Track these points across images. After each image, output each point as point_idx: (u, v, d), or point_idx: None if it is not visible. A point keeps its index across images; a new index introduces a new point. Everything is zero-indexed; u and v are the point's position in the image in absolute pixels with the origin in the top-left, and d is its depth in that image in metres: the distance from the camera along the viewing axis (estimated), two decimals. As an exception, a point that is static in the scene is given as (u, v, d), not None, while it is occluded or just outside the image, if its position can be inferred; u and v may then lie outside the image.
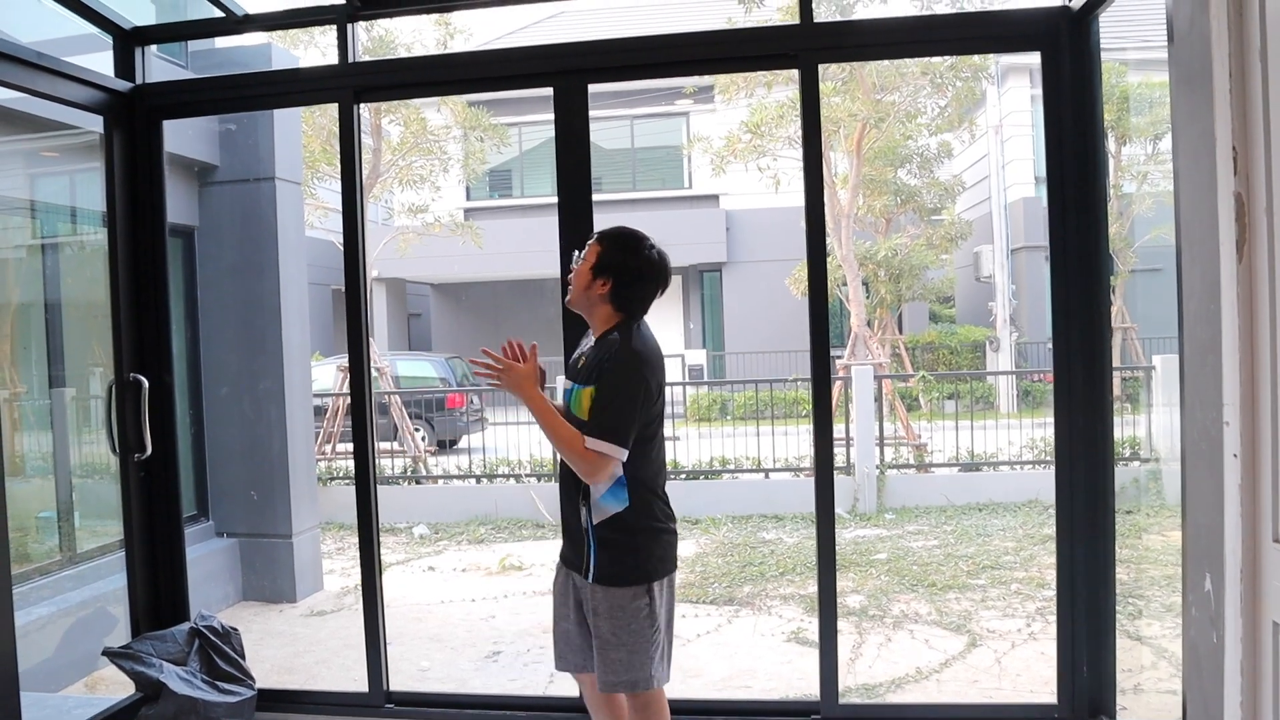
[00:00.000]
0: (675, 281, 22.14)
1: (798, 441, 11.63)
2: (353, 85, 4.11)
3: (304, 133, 11.13)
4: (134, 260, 4.34)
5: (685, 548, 9.22)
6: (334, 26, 4.20)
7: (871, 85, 12.07)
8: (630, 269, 3.03)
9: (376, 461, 4.38)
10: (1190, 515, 2.61)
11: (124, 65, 4.40)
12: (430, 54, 4.00)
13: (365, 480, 4.25)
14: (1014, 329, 18.51)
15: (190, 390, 7.61)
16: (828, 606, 3.90)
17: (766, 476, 11.06)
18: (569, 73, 3.91)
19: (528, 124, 20.35)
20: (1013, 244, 19.19)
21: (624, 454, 2.93)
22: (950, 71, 12.06)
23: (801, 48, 3.79)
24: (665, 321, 21.84)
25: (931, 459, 11.48)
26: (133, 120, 4.33)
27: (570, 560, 3.16)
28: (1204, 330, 2.57)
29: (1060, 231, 3.71)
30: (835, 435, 11.54)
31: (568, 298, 3.18)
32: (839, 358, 12.40)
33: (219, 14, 4.32)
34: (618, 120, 20.77)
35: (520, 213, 21.12)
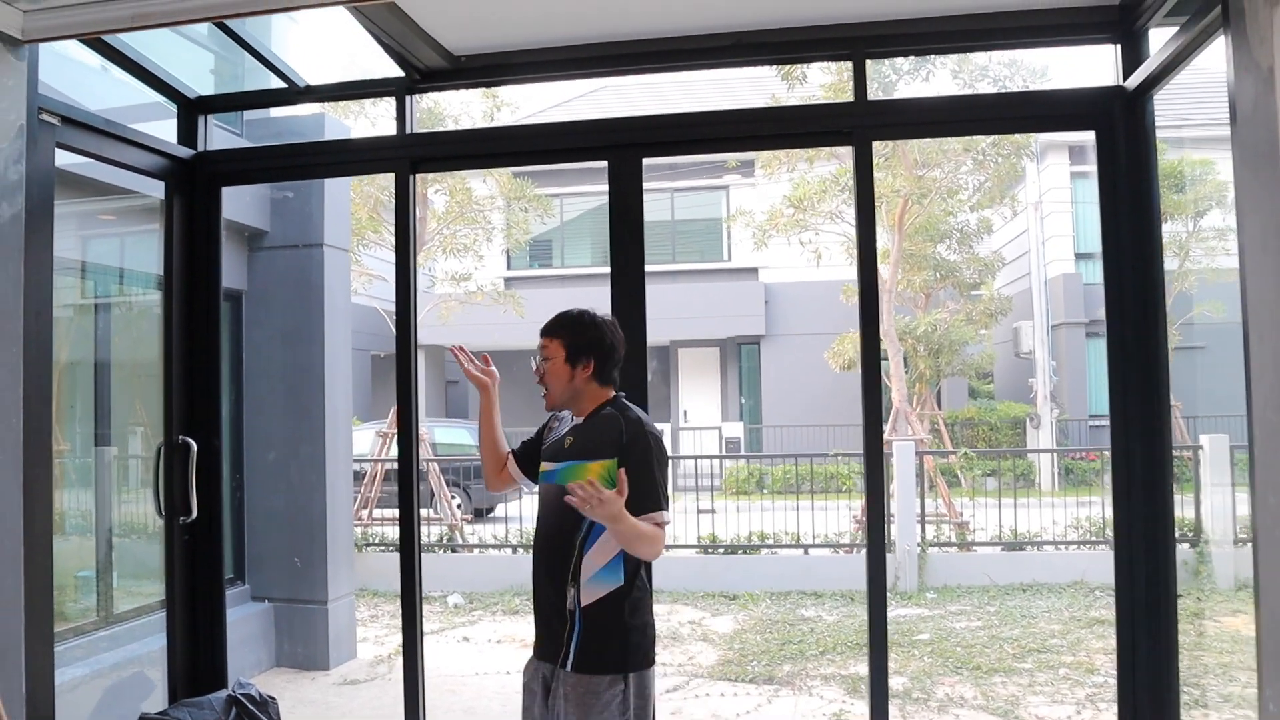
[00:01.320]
0: (713, 354, 22.22)
1: (837, 517, 11.48)
2: (410, 156, 4.17)
3: (351, 200, 11.32)
4: (188, 323, 4.39)
5: (723, 624, 9.08)
6: (385, 99, 4.29)
7: (913, 161, 12.13)
8: (604, 344, 3.11)
9: (420, 531, 4.35)
10: (1266, 606, 2.53)
11: (187, 133, 4.50)
12: (488, 126, 4.07)
13: (410, 550, 4.22)
14: (1055, 406, 18.29)
15: (232, 453, 7.62)
16: (879, 689, 3.81)
17: (806, 552, 10.91)
18: (624, 146, 3.95)
19: (570, 195, 20.59)
20: (1053, 320, 19.07)
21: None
22: (992, 148, 12.10)
23: (855, 125, 3.82)
24: (702, 393, 21.80)
25: (974, 537, 11.28)
26: (193, 186, 4.41)
27: (545, 651, 3.07)
28: (1275, 415, 2.51)
29: (1117, 309, 3.67)
30: (876, 511, 11.39)
31: (548, 402, 3.15)
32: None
33: (281, 85, 4.42)
34: (658, 193, 20.95)
35: (560, 282, 21.28)
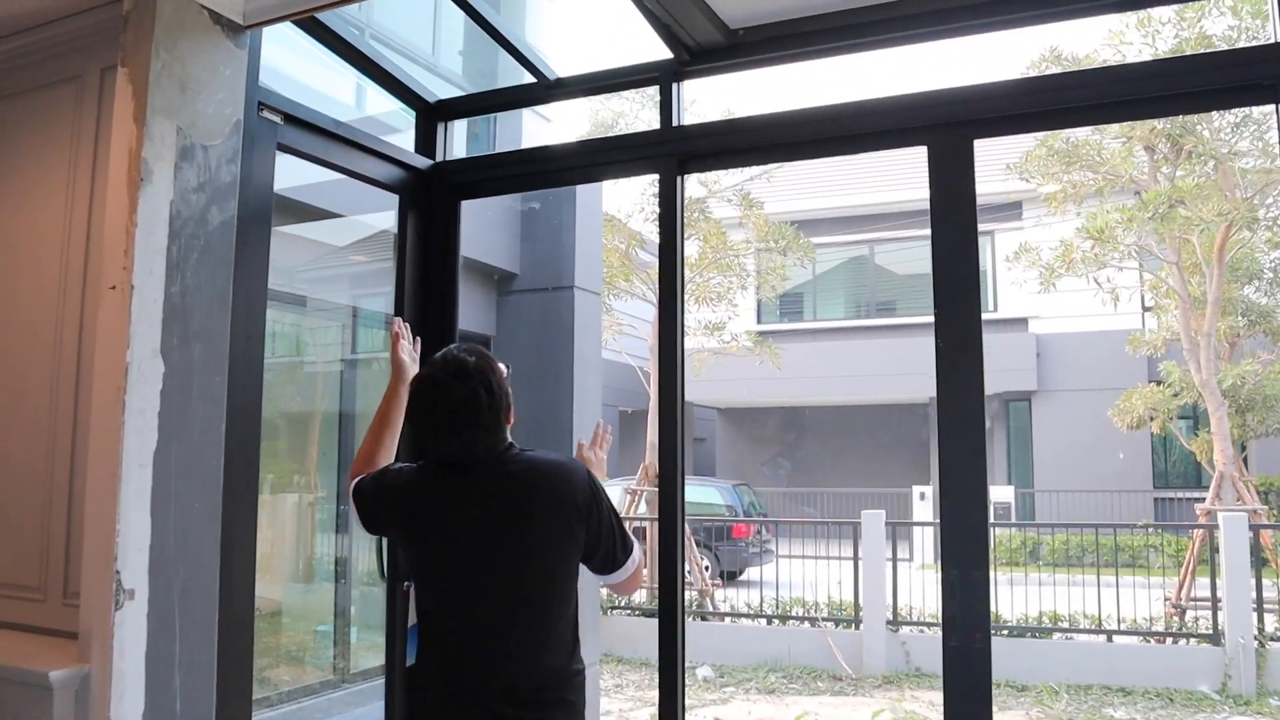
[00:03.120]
0: (977, 411, 20.53)
1: (1149, 598, 9.89)
2: (676, 152, 3.44)
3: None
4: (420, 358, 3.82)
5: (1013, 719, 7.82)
6: (648, 87, 3.61)
7: (1235, 183, 10.42)
8: None
9: (685, 596, 3.55)
10: None
11: (425, 141, 3.97)
12: (771, 112, 3.26)
13: (672, 617, 3.42)
14: (1400, 479, 15.63)
15: None
16: None
17: (1109, 639, 9.39)
18: (950, 126, 3.06)
19: (822, 246, 19.68)
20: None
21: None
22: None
23: (1281, 75, 2.77)
24: (967, 454, 20.16)
25: (1326, 632, 9.40)
26: (430, 200, 3.86)
27: None
28: None
29: None
30: (1200, 595, 9.74)
31: None
32: (1200, 501, 10.62)
33: (528, 80, 3.82)
34: (914, 242, 19.70)
35: (811, 336, 20.34)
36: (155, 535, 2.67)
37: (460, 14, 3.71)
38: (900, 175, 19.64)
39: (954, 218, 3.05)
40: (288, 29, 3.49)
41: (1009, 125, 3.09)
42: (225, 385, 2.91)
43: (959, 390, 3.01)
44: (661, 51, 3.54)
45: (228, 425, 2.92)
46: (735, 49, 3.43)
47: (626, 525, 2.59)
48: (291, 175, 5.06)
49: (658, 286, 3.41)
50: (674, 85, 3.52)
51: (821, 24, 3.29)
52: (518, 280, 7.70)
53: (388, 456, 2.79)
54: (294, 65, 4.56)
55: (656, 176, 3.52)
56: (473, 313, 7.26)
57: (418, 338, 3.09)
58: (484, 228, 7.15)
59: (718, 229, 11.99)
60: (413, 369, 2.91)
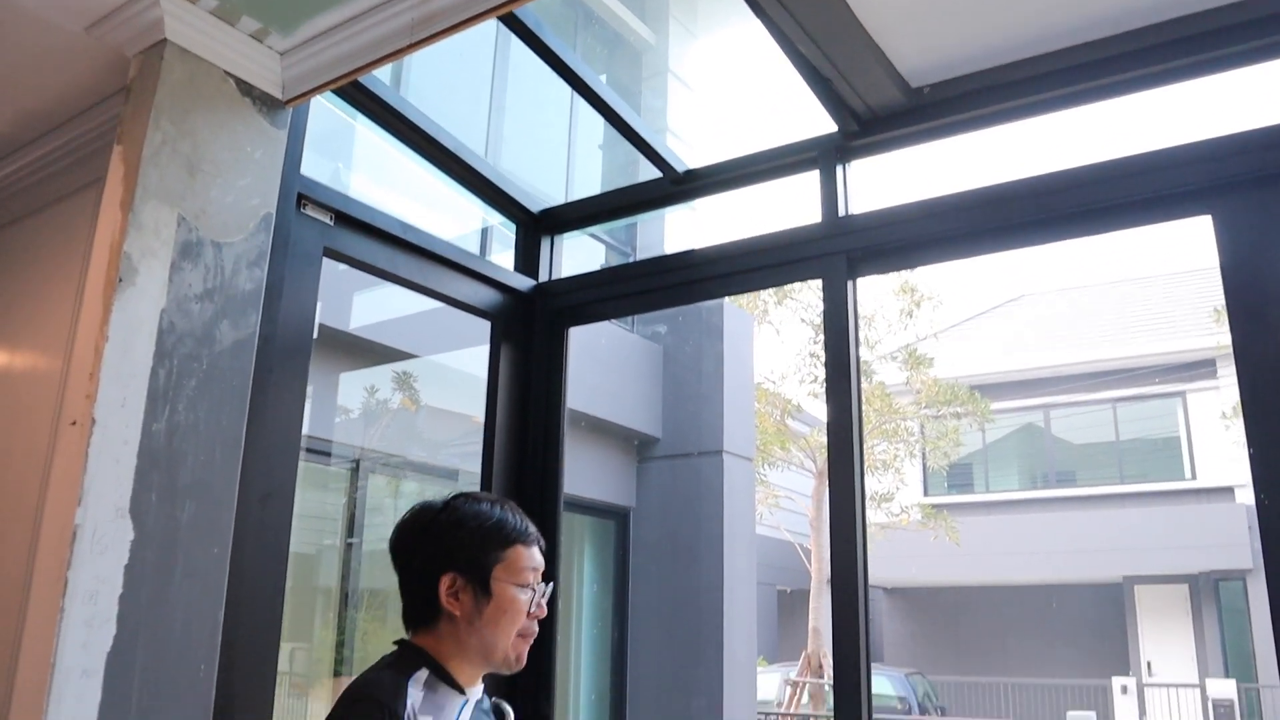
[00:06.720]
0: (1181, 592, 18.34)
1: None
2: (845, 249, 2.57)
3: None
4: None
5: None
6: (804, 173, 2.79)
7: None
8: None
9: None
10: None
11: (526, 259, 3.23)
12: (978, 186, 2.36)
13: None
14: None
15: (613, 697, 6.36)
16: None
17: None
18: (1247, 183, 2.11)
19: (996, 412, 18.32)
20: None
21: None
22: None
23: None
24: (1171, 641, 17.90)
25: None
26: (531, 328, 3.08)
27: None
28: None
29: None
30: None
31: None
32: None
33: (654, 174, 3.05)
34: (1096, 405, 18.11)
35: (984, 510, 18.70)
36: (102, 780, 1.85)
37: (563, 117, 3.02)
38: (1071, 333, 18.32)
39: (1267, 309, 2.06)
40: (330, 131, 2.86)
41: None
42: (226, 561, 2.11)
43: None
44: (818, 129, 2.75)
45: (228, 616, 2.11)
46: (915, 113, 2.58)
47: None
48: (362, 313, 4.41)
49: (826, 421, 2.49)
50: (838, 166, 2.69)
51: (1029, 69, 2.41)
52: (659, 445, 6.97)
53: None
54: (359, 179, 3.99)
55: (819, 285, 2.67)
56: (609, 482, 6.56)
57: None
58: (620, 388, 6.47)
59: (881, 391, 11.01)
60: None
